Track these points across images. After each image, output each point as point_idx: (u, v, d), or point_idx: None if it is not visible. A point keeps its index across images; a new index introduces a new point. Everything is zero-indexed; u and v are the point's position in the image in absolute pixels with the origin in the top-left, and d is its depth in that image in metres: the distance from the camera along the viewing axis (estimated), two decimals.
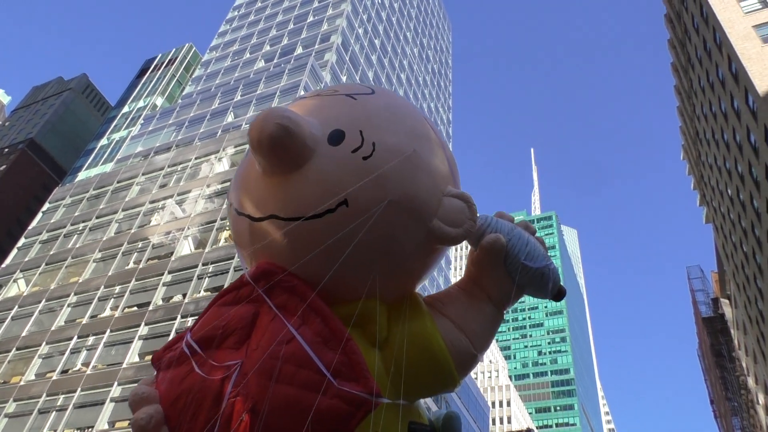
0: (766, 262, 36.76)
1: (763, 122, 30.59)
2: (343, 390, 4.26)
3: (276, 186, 4.84)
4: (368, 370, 4.40)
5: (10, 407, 35.46)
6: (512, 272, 5.17)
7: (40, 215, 52.60)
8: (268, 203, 4.89)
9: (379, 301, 4.87)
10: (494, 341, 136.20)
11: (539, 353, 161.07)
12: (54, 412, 33.76)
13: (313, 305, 4.65)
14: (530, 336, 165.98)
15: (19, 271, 46.68)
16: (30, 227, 51.76)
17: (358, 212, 4.65)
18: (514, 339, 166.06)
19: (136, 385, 4.57)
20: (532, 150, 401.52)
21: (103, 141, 62.90)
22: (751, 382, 54.11)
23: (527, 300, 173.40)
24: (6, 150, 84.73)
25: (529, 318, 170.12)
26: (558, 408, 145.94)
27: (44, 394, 35.04)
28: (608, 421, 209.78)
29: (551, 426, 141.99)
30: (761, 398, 50.05)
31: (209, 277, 37.24)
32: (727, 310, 59.79)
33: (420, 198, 4.87)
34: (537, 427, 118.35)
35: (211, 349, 4.68)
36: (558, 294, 5.39)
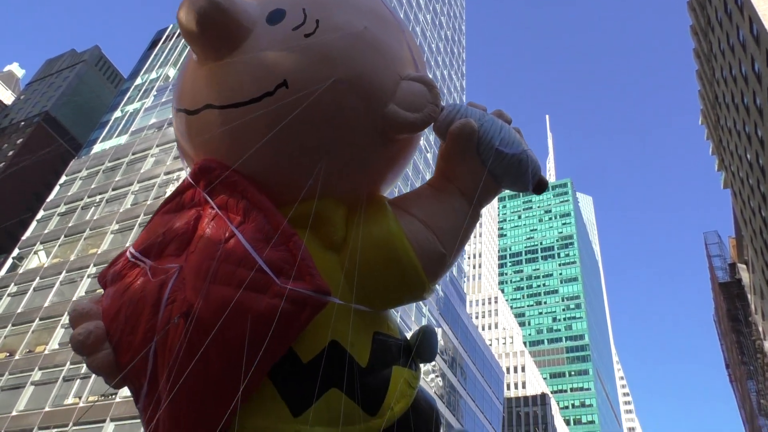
0: None
1: None
2: (286, 288, 3.91)
3: (210, 73, 4.43)
4: (315, 268, 4.04)
5: (36, 375, 36.43)
6: (486, 159, 4.71)
7: (57, 188, 53.18)
8: (203, 93, 4.48)
9: (335, 200, 4.51)
10: (508, 308, 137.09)
11: (554, 320, 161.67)
12: (78, 380, 34.65)
13: (255, 201, 4.28)
14: (545, 303, 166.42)
15: (39, 243, 47.46)
16: (48, 200, 52.39)
17: (300, 93, 4.19)
18: (528, 306, 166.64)
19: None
20: (547, 117, 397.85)
21: (117, 113, 63.05)
22: (767, 345, 54.05)
23: (541, 267, 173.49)
24: (22, 123, 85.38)
25: (544, 285, 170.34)
26: (573, 373, 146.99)
27: (68, 363, 35.92)
28: (623, 386, 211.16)
29: (566, 391, 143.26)
30: None
31: None
32: (745, 275, 59.42)
33: (371, 78, 4.40)
34: (552, 392, 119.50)
35: (153, 258, 4.37)
36: (539, 185, 4.94)
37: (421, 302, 49.70)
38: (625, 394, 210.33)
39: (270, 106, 4.20)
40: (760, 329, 55.64)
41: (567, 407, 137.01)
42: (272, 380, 4.07)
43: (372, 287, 4.43)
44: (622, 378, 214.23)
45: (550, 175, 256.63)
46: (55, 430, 32.06)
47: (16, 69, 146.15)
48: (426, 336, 4.88)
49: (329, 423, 4.06)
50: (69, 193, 51.01)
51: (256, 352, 3.85)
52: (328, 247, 4.45)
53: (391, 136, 4.61)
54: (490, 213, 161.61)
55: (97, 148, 57.20)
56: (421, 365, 5.13)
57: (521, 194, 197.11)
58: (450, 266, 4.93)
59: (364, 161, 4.66)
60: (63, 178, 54.03)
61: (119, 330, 4.12)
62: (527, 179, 4.83)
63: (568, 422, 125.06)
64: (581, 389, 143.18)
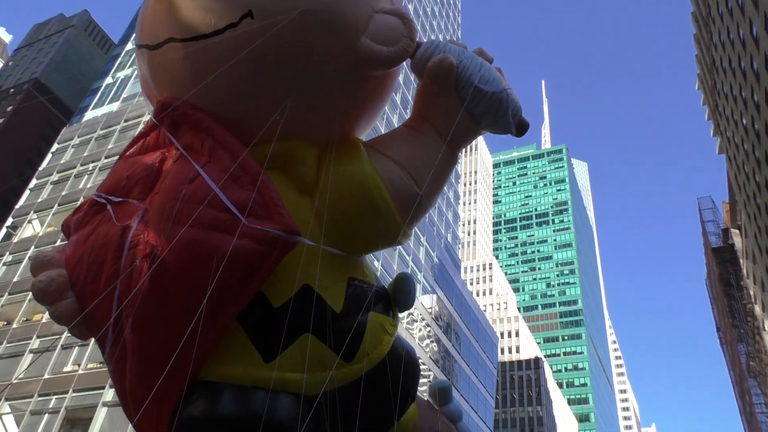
0: None
1: None
2: (253, 228, 3.78)
3: (171, 5, 4.21)
4: (284, 207, 3.92)
5: (34, 343, 36.68)
6: (464, 97, 4.54)
7: (49, 156, 52.74)
8: (164, 26, 4.26)
9: (306, 141, 4.35)
10: (503, 274, 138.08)
11: (548, 285, 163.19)
12: (76, 347, 34.92)
13: (220, 140, 4.10)
14: (539, 269, 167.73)
15: (33, 212, 47.28)
16: (40, 168, 52.01)
17: (266, 25, 3.96)
18: (522, 272, 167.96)
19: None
20: (542, 82, 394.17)
21: (108, 80, 62.16)
22: (758, 309, 54.79)
23: (536, 234, 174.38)
24: (12, 90, 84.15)
25: (538, 251, 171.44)
26: (566, 337, 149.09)
27: (66, 331, 36.21)
28: (615, 350, 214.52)
29: (559, 355, 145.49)
30: (767, 325, 50.81)
31: None
32: (737, 240, 59.88)
33: (342, 10, 4.20)
34: (545, 356, 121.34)
35: (117, 202, 4.22)
36: (520, 126, 4.79)
37: (415, 268, 49.94)
38: (617, 358, 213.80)
39: (234, 39, 3.98)
40: (752, 293, 56.33)
41: (560, 371, 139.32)
42: (242, 325, 3.96)
43: (345, 230, 4.32)
44: (614, 342, 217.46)
45: (546, 142, 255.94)
46: (55, 396, 32.41)
47: (3, 34, 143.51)
48: (403, 283, 4.79)
49: (302, 369, 3.99)
50: (61, 161, 50.62)
51: (223, 296, 3.74)
52: (300, 189, 4.30)
53: (364, 72, 4.41)
54: (485, 180, 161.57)
55: (89, 115, 56.55)
56: (400, 314, 5.04)
57: (516, 161, 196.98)
58: (427, 209, 4.78)
59: (336, 99, 4.43)
60: (55, 146, 53.54)
61: (82, 277, 3.98)
62: (508, 120, 4.68)
63: (560, 385, 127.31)
64: (574, 353, 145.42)
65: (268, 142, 4.13)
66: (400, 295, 4.77)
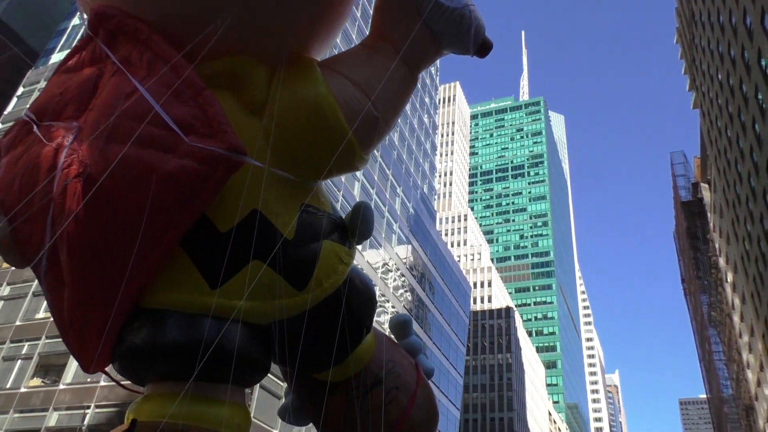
0: (748, 146, 37.09)
1: (760, 4, 29.64)
2: (195, 147, 3.55)
3: None
4: (229, 125, 3.69)
5: (5, 290, 36.31)
6: (423, 11, 4.32)
7: (15, 100, 51.05)
8: None
9: (255, 58, 4.12)
10: (477, 225, 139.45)
11: (521, 237, 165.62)
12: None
13: (160, 53, 3.83)
14: (513, 221, 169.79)
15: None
16: (6, 112, 50.38)
17: None
18: (497, 224, 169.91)
19: None
20: (522, 32, 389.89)
21: (75, 20, 59.79)
22: (722, 261, 56.46)
23: (511, 186, 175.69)
24: None
25: (513, 203, 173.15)
26: (537, 288, 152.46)
27: (36, 280, 35.87)
28: (583, 300, 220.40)
29: (530, 305, 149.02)
30: (730, 276, 52.50)
31: None
32: (706, 194, 61.12)
33: None
34: (516, 306, 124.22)
35: (50, 121, 3.95)
36: (483, 47, 4.58)
37: (391, 219, 50.17)
38: (585, 308, 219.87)
39: None
40: (717, 246, 57.89)
41: (530, 320, 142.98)
42: (186, 251, 3.80)
43: (296, 153, 4.10)
44: (583, 292, 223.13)
45: (524, 93, 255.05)
46: (28, 343, 32.35)
47: None
48: (361, 211, 4.63)
49: (251, 296, 3.88)
50: (27, 106, 49.09)
51: (164, 218, 3.56)
52: (248, 110, 4.05)
53: None
54: (462, 131, 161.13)
55: (55, 57, 54.65)
56: (358, 245, 4.92)
57: (494, 113, 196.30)
58: (385, 133, 4.56)
59: (286, 12, 4.13)
60: (20, 90, 51.80)
61: (14, 200, 3.74)
62: (469, 39, 4.46)
63: (530, 334, 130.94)
64: (544, 303, 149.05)
65: (214, 59, 3.90)
66: (357, 224, 4.62)
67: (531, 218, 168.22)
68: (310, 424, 5.27)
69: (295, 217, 4.15)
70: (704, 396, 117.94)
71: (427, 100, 74.04)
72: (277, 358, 4.39)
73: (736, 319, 52.97)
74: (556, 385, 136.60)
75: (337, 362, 4.53)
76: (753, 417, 52.85)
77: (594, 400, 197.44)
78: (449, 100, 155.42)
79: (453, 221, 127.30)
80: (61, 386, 28.44)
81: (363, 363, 4.80)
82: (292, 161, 4.10)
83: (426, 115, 72.47)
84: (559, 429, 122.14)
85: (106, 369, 4.18)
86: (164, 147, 3.55)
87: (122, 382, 4.48)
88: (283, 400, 5.71)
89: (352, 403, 4.60)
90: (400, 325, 5.65)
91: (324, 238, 4.30)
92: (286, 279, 4.00)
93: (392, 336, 5.67)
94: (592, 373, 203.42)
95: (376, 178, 48.23)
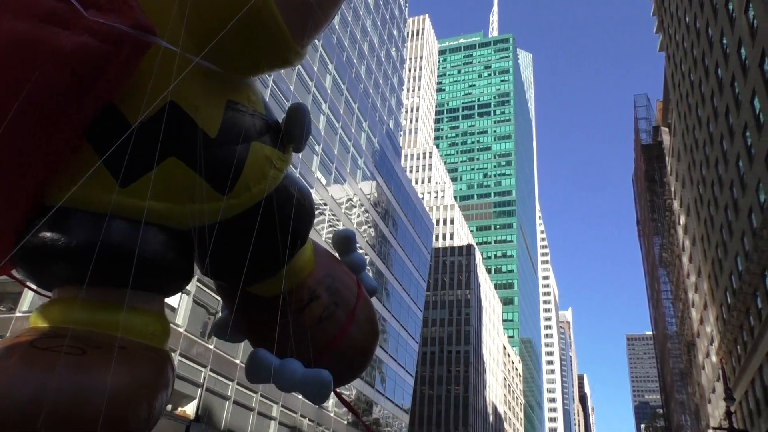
0: (710, 91, 37.57)
1: None
2: (96, 22, 3.18)
3: None
4: (136, 0, 3.35)
5: None
6: None
7: None
8: None
9: None
10: (442, 163, 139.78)
11: (485, 176, 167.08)
12: None
13: None
14: (477, 159, 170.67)
15: None
16: None
17: None
18: (461, 162, 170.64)
19: None
20: None
21: None
22: (676, 205, 58.16)
23: (477, 124, 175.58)
24: None
25: (478, 142, 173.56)
26: (498, 227, 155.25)
27: None
28: (542, 239, 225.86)
29: (490, 243, 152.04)
30: (682, 219, 54.25)
31: None
32: (666, 138, 62.20)
33: None
34: (477, 244, 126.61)
35: None
36: None
37: (356, 154, 49.82)
38: (543, 247, 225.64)
39: None
40: (672, 189, 59.48)
41: (490, 257, 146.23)
42: (93, 145, 3.49)
43: (220, 41, 3.64)
44: (542, 232, 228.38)
45: (493, 30, 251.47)
46: None
47: None
48: (296, 113, 4.29)
49: (168, 198, 3.63)
50: None
51: (63, 104, 3.21)
52: None
53: None
54: (429, 66, 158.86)
55: None
56: (296, 152, 4.56)
57: (462, 49, 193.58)
58: (322, 23, 4.07)
59: None
60: None
61: None
62: None
63: (489, 271, 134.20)
64: (504, 241, 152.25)
65: None
66: (292, 127, 4.26)
67: (495, 157, 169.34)
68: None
69: (219, 113, 3.78)
70: (650, 332, 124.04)
71: (395, 32, 72.33)
72: (203, 268, 4.15)
73: (685, 260, 55.12)
74: (511, 320, 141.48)
75: (269, 275, 4.31)
76: (693, 352, 55.92)
77: (547, 335, 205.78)
78: (418, 34, 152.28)
79: (418, 158, 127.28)
80: (18, 314, 28.08)
81: (300, 278, 4.57)
82: (215, 49, 3.61)
83: (394, 48, 70.97)
84: (512, 362, 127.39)
85: (13, 272, 3.92)
86: (60, 22, 3.18)
87: (31, 286, 4.17)
88: (219, 314, 5.43)
89: (288, 319, 4.39)
90: (342, 240, 5.34)
91: (253, 140, 3.95)
92: (208, 181, 3.70)
93: (335, 252, 5.40)
94: (547, 310, 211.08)
95: (341, 112, 47.48)
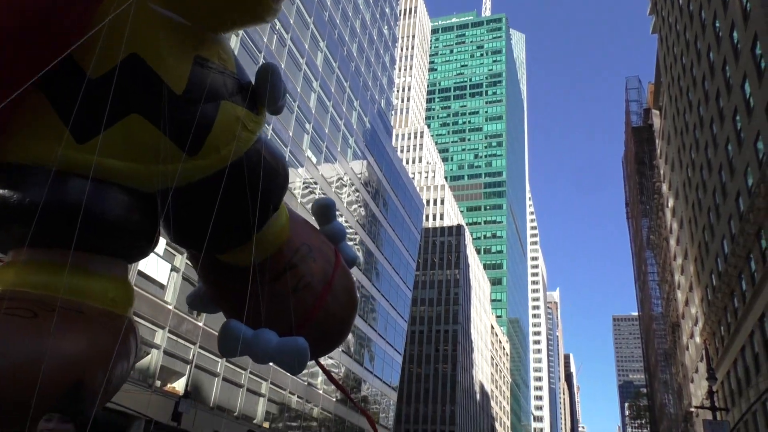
0: (701, 74, 37.61)
1: None
2: None
3: None
4: None
5: None
6: None
7: None
8: None
9: None
10: (433, 143, 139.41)
11: (475, 156, 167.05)
12: None
13: None
14: (468, 140, 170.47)
15: None
16: None
17: None
18: (452, 142, 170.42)
19: None
20: None
21: None
22: (665, 187, 58.52)
23: (468, 104, 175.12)
24: None
25: (469, 122, 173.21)
26: (488, 207, 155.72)
27: None
28: (532, 220, 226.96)
29: (480, 223, 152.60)
30: (671, 202, 54.64)
31: None
32: (657, 120, 62.35)
33: None
34: (467, 224, 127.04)
35: None
36: None
37: (347, 133, 49.61)
38: (532, 228, 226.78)
39: None
40: (662, 172, 59.78)
41: (479, 238, 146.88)
42: (49, 98, 3.33)
43: None
44: (531, 213, 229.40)
45: (486, 9, 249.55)
46: None
47: None
48: (267, 73, 4.05)
49: (130, 156, 3.46)
50: None
51: (12, 53, 3.01)
52: None
53: None
54: (422, 45, 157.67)
55: None
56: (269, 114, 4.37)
57: (455, 28, 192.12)
58: None
59: None
60: None
61: None
62: None
63: (479, 251, 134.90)
64: (494, 222, 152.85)
65: None
66: (262, 87, 4.00)
67: (486, 138, 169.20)
68: None
69: (187, 69, 3.55)
70: (636, 313, 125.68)
71: (387, 10, 71.60)
72: (171, 234, 3.94)
73: (672, 242, 55.63)
74: (500, 300, 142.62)
75: (241, 243, 4.12)
76: (678, 333, 56.70)
77: (534, 315, 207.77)
78: (410, 12, 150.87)
79: (409, 138, 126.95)
80: None
81: (275, 246, 4.39)
82: (183, 1, 3.43)
83: (386, 27, 70.31)
84: (500, 341, 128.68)
85: None
86: None
87: None
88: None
89: (262, 289, 4.23)
90: (321, 208, 5.15)
91: (223, 99, 3.71)
92: (173, 140, 3.48)
93: (314, 221, 5.25)
94: (535, 291, 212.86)
95: (332, 90, 47.15)
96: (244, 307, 4.18)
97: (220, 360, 31.02)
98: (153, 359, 27.28)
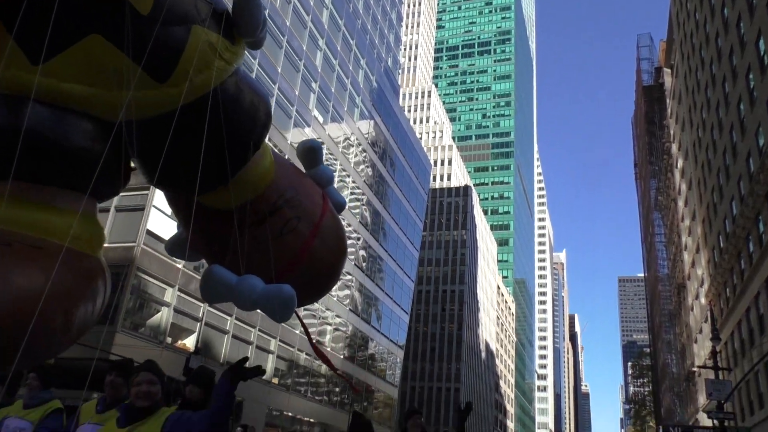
0: (714, 30, 36.82)
1: None
2: None
3: None
4: None
5: None
6: None
7: None
8: None
9: None
10: (441, 103, 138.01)
11: (483, 116, 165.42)
12: None
13: None
14: (476, 99, 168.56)
15: None
16: None
17: None
18: (460, 102, 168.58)
19: None
20: None
21: None
22: (674, 148, 57.96)
23: (477, 63, 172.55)
24: None
25: (477, 81, 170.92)
26: (495, 168, 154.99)
27: None
28: (539, 181, 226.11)
29: (487, 184, 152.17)
30: (680, 162, 54.18)
31: None
32: (668, 79, 61.34)
33: None
34: (474, 185, 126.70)
35: None
36: None
37: (354, 92, 49.12)
38: (540, 189, 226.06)
39: None
40: (672, 132, 59.12)
41: (486, 199, 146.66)
42: (1, 18, 3.16)
43: None
44: (539, 173, 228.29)
45: None
46: None
47: None
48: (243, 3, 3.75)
49: (91, 80, 3.24)
50: None
51: None
52: None
53: None
54: (429, 2, 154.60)
55: None
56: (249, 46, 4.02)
57: None
58: None
59: None
60: None
61: None
62: None
63: (486, 212, 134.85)
64: (502, 183, 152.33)
65: None
66: (239, 14, 3.70)
67: (494, 97, 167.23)
68: None
69: None
70: (642, 275, 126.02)
71: None
72: (146, 173, 3.72)
73: (680, 203, 55.39)
74: (506, 261, 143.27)
75: (218, 184, 3.90)
76: (683, 294, 56.97)
77: (540, 276, 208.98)
78: None
79: (416, 97, 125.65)
80: None
81: (258, 189, 4.19)
82: None
83: None
84: (506, 301, 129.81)
85: None
86: None
87: None
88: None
89: (245, 234, 4.06)
90: (307, 150, 4.87)
91: (194, 23, 3.45)
92: (138, 63, 3.24)
93: (300, 164, 5.02)
94: (541, 251, 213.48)
95: (339, 49, 46.52)
96: (227, 254, 4.01)
97: (229, 318, 31.53)
98: (163, 317, 27.76)
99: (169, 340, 27.88)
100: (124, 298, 25.26)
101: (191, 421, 3.79)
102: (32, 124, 3.07)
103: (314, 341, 4.91)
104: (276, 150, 23.58)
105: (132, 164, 4.01)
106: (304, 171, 4.90)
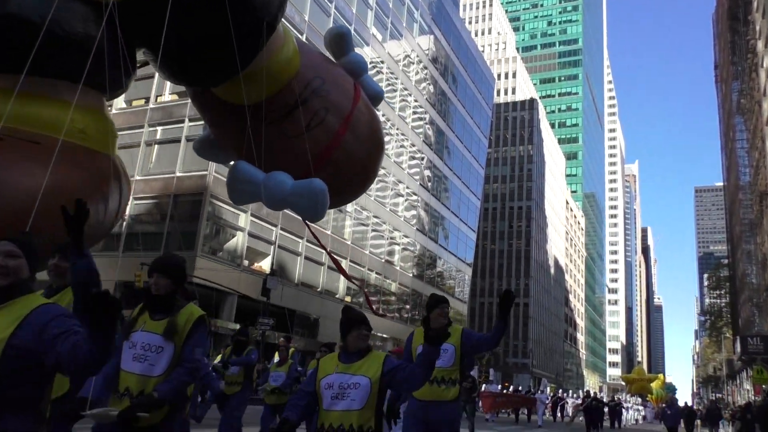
0: None
1: None
2: None
3: None
4: None
5: None
6: None
7: None
8: None
9: None
10: (503, 12, 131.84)
11: (549, 24, 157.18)
12: None
13: None
14: (541, 6, 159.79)
15: None
16: None
17: None
18: (524, 9, 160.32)
19: None
20: None
21: None
22: (760, 45, 53.64)
23: None
24: None
25: None
26: (563, 78, 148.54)
27: None
28: (610, 90, 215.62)
29: (554, 96, 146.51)
30: (766, 61, 50.26)
31: None
32: None
33: None
34: (540, 97, 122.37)
35: None
36: None
37: (412, 6, 47.53)
38: (611, 98, 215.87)
39: None
40: (758, 28, 54.55)
41: (553, 111, 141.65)
42: None
43: None
44: (610, 82, 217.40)
45: None
46: None
47: None
48: None
49: None
50: None
51: None
52: None
53: None
54: None
55: None
56: None
57: None
58: None
59: None
60: None
61: None
62: None
63: (553, 125, 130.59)
64: (569, 94, 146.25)
65: None
66: None
67: (560, 2, 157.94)
68: None
69: None
70: (720, 184, 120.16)
71: None
72: (159, 67, 3.44)
73: (765, 105, 51.79)
74: (575, 175, 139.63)
75: (233, 72, 3.54)
76: (766, 202, 54.27)
77: (611, 189, 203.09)
78: None
79: (477, 8, 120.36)
80: None
81: (282, 81, 3.90)
82: None
83: None
84: (575, 216, 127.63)
85: None
86: None
87: None
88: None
89: (272, 128, 3.78)
90: (335, 38, 4.50)
91: None
92: None
93: (329, 53, 4.66)
94: (612, 164, 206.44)
95: None
96: (253, 151, 3.74)
97: (300, 240, 32.58)
98: (239, 241, 28.99)
99: (246, 263, 29.22)
100: (201, 224, 26.46)
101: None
102: (17, 7, 2.89)
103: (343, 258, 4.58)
104: None
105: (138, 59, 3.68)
106: (334, 60, 4.53)
